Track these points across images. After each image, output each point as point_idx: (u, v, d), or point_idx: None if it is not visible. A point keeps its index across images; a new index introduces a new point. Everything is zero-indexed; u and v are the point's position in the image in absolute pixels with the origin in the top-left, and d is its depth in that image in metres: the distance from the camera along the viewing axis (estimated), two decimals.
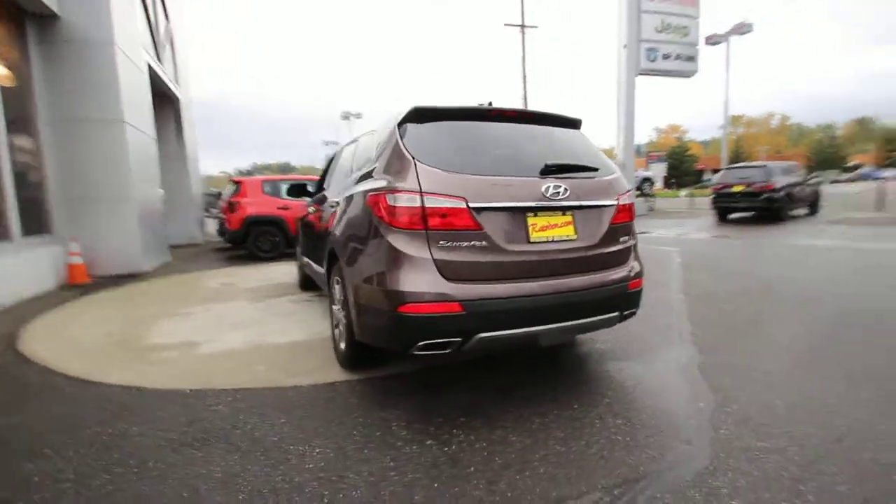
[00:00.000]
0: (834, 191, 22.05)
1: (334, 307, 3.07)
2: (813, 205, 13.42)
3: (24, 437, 2.17)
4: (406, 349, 2.19)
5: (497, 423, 2.16)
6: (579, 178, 2.42)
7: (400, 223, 2.14)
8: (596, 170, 2.54)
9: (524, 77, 26.98)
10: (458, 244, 2.13)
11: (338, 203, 3.06)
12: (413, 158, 2.23)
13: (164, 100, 9.71)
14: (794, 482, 1.67)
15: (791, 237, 8.82)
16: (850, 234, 8.86)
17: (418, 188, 2.13)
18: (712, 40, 19.03)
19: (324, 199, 3.90)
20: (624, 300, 2.49)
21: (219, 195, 17.74)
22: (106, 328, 3.97)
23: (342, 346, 2.86)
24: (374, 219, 2.27)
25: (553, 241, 2.28)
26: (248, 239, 8.24)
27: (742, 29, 18.33)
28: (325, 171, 4.70)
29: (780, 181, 12.04)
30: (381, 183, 2.29)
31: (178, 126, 10.68)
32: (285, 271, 6.93)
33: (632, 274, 2.54)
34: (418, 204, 2.12)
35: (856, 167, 54.58)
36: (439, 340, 2.12)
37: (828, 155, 56.81)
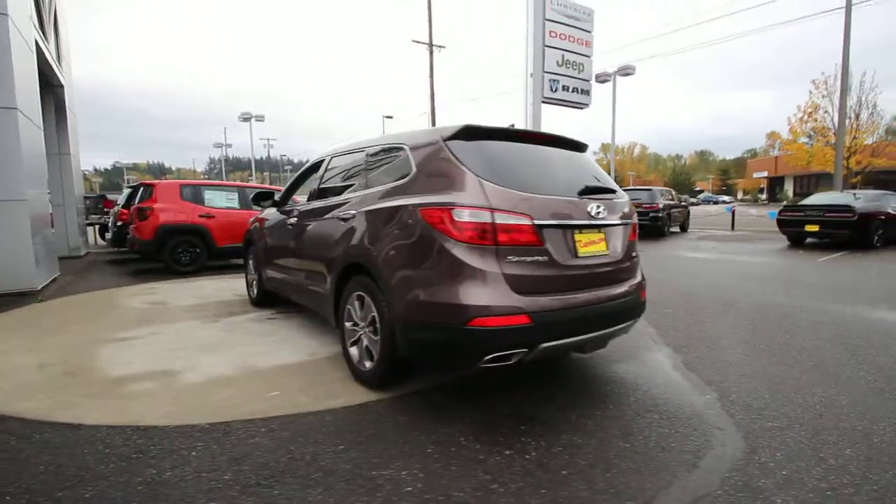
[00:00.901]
0: (693, 211, 26.34)
1: (348, 324, 2.94)
2: (684, 224, 16.04)
3: (18, 499, 1.74)
4: (472, 363, 2.23)
5: (558, 428, 2.29)
6: (605, 199, 2.69)
7: (469, 238, 2.19)
8: (614, 192, 2.84)
9: (431, 94, 27.82)
10: (523, 259, 2.24)
11: (353, 215, 2.95)
12: (475, 175, 2.29)
13: (45, 84, 8.17)
14: (814, 451, 2.07)
15: (677, 251, 10.38)
16: (721, 248, 10.73)
17: (488, 204, 2.21)
18: (601, 78, 21.66)
19: (307, 210, 3.69)
20: (639, 307, 2.81)
21: (101, 198, 15.28)
22: (34, 359, 3.26)
23: (367, 364, 2.76)
24: (435, 234, 2.27)
25: (594, 256, 2.51)
26: (164, 250, 7.28)
27: (626, 70, 21.19)
28: (298, 181, 4.45)
29: (662, 202, 14.17)
30: (440, 198, 2.31)
31: (60, 116, 9.02)
32: (220, 287, 6.27)
33: (642, 285, 2.87)
34: (489, 220, 2.19)
35: (700, 192, 66.42)
36: (507, 352, 2.20)
37: (681, 180, 67.63)
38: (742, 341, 3.71)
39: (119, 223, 8.71)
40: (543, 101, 21.57)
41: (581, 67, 24.06)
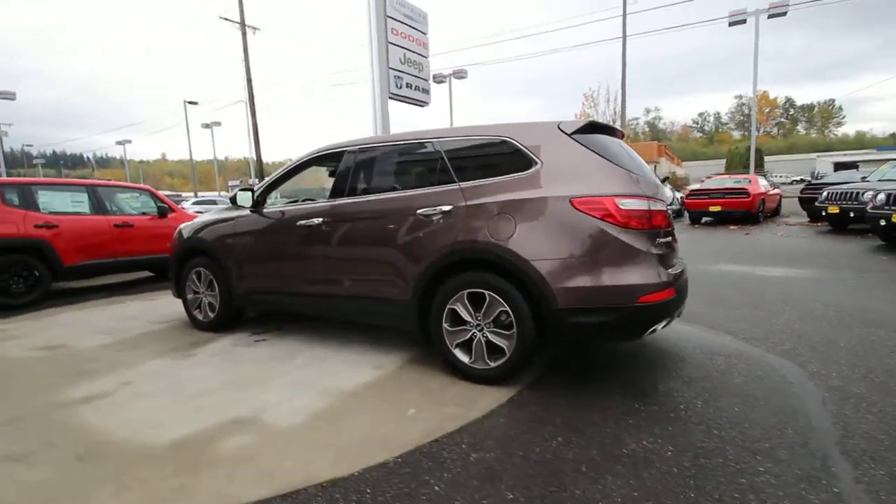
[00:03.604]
0: None
1: (447, 325, 2.79)
2: None
3: None
4: (636, 337, 2.49)
5: (684, 380, 2.73)
6: None
7: (633, 224, 2.42)
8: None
9: (248, 80, 25.07)
10: (663, 239, 2.59)
11: (448, 211, 2.78)
12: (620, 167, 2.52)
13: None
14: (828, 355, 2.99)
15: None
16: None
17: (643, 192, 2.47)
18: (438, 79, 23.10)
19: (342, 208, 3.24)
20: None
21: None
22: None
23: (490, 362, 2.70)
24: (596, 222, 2.42)
25: (675, 234, 3.01)
26: None
27: (460, 74, 23.07)
28: (283, 179, 3.77)
29: None
30: (595, 188, 2.46)
31: None
32: (111, 316, 4.78)
33: None
34: (646, 207, 2.46)
35: None
36: (661, 322, 2.52)
37: None
38: (697, 300, 4.73)
39: None
40: (390, 97, 21.93)
41: (421, 67, 25.19)
